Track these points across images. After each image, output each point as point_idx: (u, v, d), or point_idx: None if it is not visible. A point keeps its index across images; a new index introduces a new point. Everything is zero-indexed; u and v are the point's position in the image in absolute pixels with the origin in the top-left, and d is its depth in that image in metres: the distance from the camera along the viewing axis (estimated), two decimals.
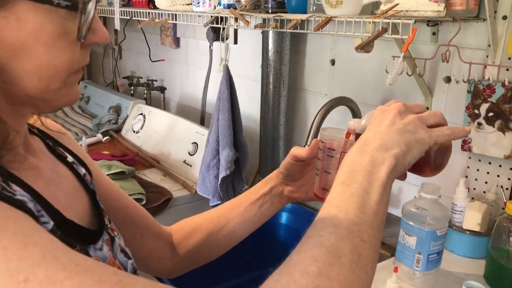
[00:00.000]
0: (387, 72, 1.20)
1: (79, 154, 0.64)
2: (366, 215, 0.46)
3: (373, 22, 1.02)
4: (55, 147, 0.60)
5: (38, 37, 0.43)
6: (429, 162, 0.55)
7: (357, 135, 0.61)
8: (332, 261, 0.42)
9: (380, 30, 0.99)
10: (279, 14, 1.22)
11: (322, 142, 0.66)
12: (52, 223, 0.46)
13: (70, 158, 0.61)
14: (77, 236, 0.50)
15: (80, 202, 0.57)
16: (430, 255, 0.93)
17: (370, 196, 0.47)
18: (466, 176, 1.17)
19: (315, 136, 1.19)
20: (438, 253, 0.94)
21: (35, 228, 0.39)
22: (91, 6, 0.45)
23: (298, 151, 0.69)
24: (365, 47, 1.01)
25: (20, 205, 0.41)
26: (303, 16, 1.15)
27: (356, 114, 1.32)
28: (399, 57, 1.12)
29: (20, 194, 0.43)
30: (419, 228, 0.92)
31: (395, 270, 0.93)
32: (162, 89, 2.37)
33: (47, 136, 0.60)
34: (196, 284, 1.29)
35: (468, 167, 1.17)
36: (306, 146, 1.19)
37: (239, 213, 0.74)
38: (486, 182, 1.14)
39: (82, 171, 0.61)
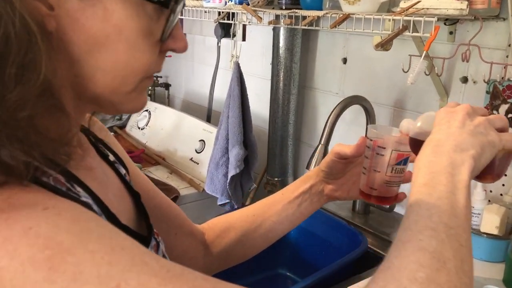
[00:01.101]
0: (404, 71, 1.18)
1: (117, 151, 0.60)
2: (458, 218, 0.44)
3: (392, 20, 1.00)
4: (97, 143, 0.56)
5: (121, 32, 0.40)
6: (493, 167, 0.54)
7: (411, 139, 0.59)
8: (438, 267, 0.40)
9: (401, 27, 0.97)
10: (293, 10, 1.20)
11: (371, 140, 0.63)
12: None
13: (111, 157, 0.57)
14: None
15: (126, 204, 0.54)
16: None
17: (457, 199, 0.46)
18: None
19: (329, 135, 1.17)
20: None
21: (116, 230, 0.36)
22: (180, 7, 0.42)
23: (342, 148, 0.66)
24: (385, 45, 0.98)
25: (87, 208, 0.38)
26: (320, 13, 1.13)
27: (369, 113, 1.30)
28: (418, 56, 1.10)
29: (84, 196, 0.41)
30: None
31: None
32: (167, 86, 2.34)
33: (89, 131, 0.56)
34: None
35: None
36: (320, 145, 1.18)
37: (276, 211, 0.71)
38: (503, 185, 1.12)
39: (123, 170, 0.58)
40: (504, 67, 1.07)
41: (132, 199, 0.56)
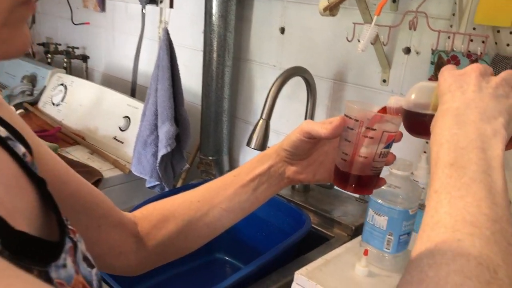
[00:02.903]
0: (348, 41, 1.11)
1: (15, 124, 0.44)
2: (499, 207, 0.35)
3: None
4: None
5: None
6: None
7: (408, 113, 0.51)
8: (488, 278, 0.31)
9: None
10: None
11: (356, 120, 0.54)
12: None
13: (2, 131, 0.42)
14: (33, 254, 0.34)
15: (25, 198, 0.40)
16: (401, 235, 0.87)
17: (494, 181, 0.37)
18: (425, 152, 1.13)
19: (271, 109, 1.08)
20: (408, 233, 0.88)
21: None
22: None
23: (313, 127, 0.56)
24: (333, 9, 0.90)
25: None
26: None
27: (311, 86, 1.22)
28: (363, 23, 1.04)
29: None
30: (390, 207, 0.85)
31: (365, 253, 0.86)
32: (85, 58, 2.12)
33: None
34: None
35: (427, 142, 1.13)
36: (262, 120, 1.08)
37: (226, 197, 0.60)
38: None
39: (21, 149, 0.42)
40: (449, 37, 1.04)
41: (35, 188, 0.42)
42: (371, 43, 1.07)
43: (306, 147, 0.58)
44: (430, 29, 0.99)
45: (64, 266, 0.37)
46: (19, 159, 0.41)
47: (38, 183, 0.42)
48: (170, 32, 1.37)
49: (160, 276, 1.20)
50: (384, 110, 0.56)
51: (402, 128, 0.57)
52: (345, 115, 0.56)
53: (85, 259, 0.44)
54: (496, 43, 0.99)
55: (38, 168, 0.45)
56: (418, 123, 0.51)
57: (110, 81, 2.08)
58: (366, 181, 0.57)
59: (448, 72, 0.47)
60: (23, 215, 0.37)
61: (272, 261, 0.96)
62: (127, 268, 0.62)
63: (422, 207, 1.03)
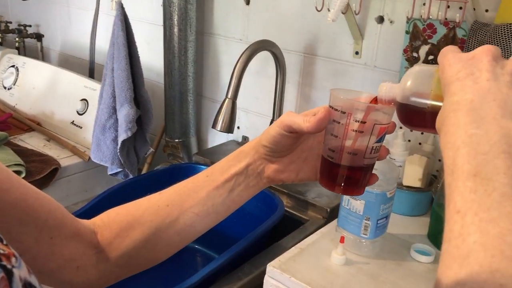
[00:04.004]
0: (318, 10, 1.03)
1: None
2: None
3: None
4: None
5: None
6: None
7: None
8: None
9: None
10: None
11: (343, 112, 0.47)
12: None
13: None
14: None
15: None
16: (379, 220, 0.81)
17: None
18: (401, 127, 1.07)
19: (237, 87, 1.00)
20: (386, 217, 0.83)
21: None
22: None
23: (294, 120, 0.49)
24: None
25: None
26: None
27: (279, 61, 1.14)
28: None
29: None
30: (367, 190, 0.79)
31: (342, 240, 0.80)
32: (39, 37, 1.97)
33: None
34: None
35: (422, 133, 1.07)
36: (227, 100, 1.00)
37: (199, 200, 0.53)
38: (422, 133, 1.06)
39: None
40: (424, 4, 0.96)
41: None
42: (342, 13, 0.99)
43: (288, 143, 0.52)
44: None
45: None
46: None
47: None
48: (127, 6, 1.26)
49: None
50: (374, 100, 0.49)
51: (394, 117, 0.50)
52: (329, 106, 0.49)
53: (29, 285, 0.35)
54: (474, 9, 0.92)
55: None
56: (417, 115, 0.44)
57: (68, 61, 1.95)
58: (356, 180, 0.51)
59: (453, 55, 0.39)
60: None
61: (245, 250, 0.89)
62: (87, 283, 0.54)
63: (400, 187, 0.99)
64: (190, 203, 0.54)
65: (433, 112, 0.42)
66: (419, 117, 0.44)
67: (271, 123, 1.23)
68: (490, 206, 0.29)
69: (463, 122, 0.35)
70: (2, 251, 0.34)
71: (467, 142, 0.33)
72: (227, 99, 0.99)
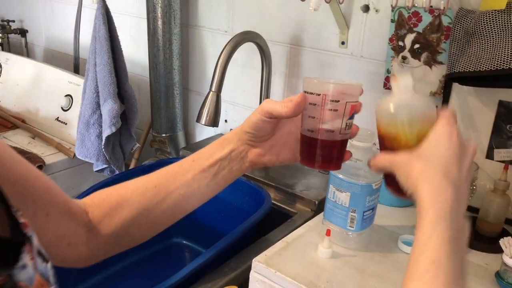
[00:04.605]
0: (302, 0, 1.01)
1: None
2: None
3: None
4: None
5: None
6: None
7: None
8: None
9: None
10: None
11: (317, 94, 0.53)
12: None
13: None
14: None
15: None
16: (365, 212, 0.80)
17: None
18: None
19: (221, 79, 0.98)
20: (373, 208, 0.82)
21: None
22: None
23: (273, 106, 0.55)
24: None
25: None
26: None
27: (264, 53, 1.12)
28: None
29: None
30: (352, 182, 0.78)
31: (328, 233, 0.79)
32: (23, 32, 1.94)
33: None
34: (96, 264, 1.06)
35: None
36: (212, 93, 0.98)
37: (185, 182, 0.58)
38: None
39: None
40: None
41: None
42: (326, 1, 0.97)
43: (268, 128, 0.58)
44: None
45: (24, 266, 0.34)
46: None
47: None
48: None
49: (115, 265, 1.11)
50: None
51: (361, 98, 0.56)
52: (304, 91, 0.55)
53: (39, 253, 0.39)
54: None
55: None
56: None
57: (53, 56, 1.91)
58: (334, 155, 0.56)
59: (457, 135, 0.50)
60: None
61: (231, 245, 0.88)
62: (77, 259, 0.58)
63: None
64: (176, 184, 0.58)
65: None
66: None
67: None
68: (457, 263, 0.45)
69: (443, 198, 0.47)
70: (22, 220, 0.38)
71: (449, 214, 0.47)
72: (211, 92, 0.97)
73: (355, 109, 0.55)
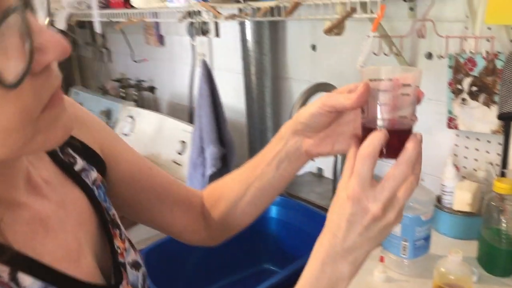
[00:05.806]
0: (374, 54, 1.15)
1: (90, 143, 0.55)
2: None
3: (342, 3, 0.98)
4: (62, 150, 0.52)
5: None
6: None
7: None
8: None
9: (349, 10, 0.94)
10: (248, 3, 1.18)
11: (389, 80, 0.48)
12: None
13: (79, 164, 0.53)
14: None
15: (90, 231, 0.51)
16: (416, 241, 0.89)
17: None
18: (456, 155, 1.12)
19: None
20: (425, 238, 0.90)
21: None
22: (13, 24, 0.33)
23: (338, 100, 0.52)
24: (335, 29, 0.96)
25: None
26: (272, 3, 1.11)
27: None
28: (378, 37, 1.08)
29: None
30: None
31: (381, 259, 0.89)
32: (152, 89, 2.34)
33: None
34: (190, 283, 1.27)
35: (456, 145, 1.12)
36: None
37: (257, 176, 0.62)
38: (476, 160, 1.10)
39: (92, 176, 0.54)
40: (463, 40, 1.03)
41: (98, 218, 0.53)
42: (385, 54, 1.10)
43: (326, 121, 0.55)
44: (437, 35, 1.00)
45: None
46: (88, 191, 0.53)
47: (101, 213, 0.54)
48: (216, 58, 1.50)
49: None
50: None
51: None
52: (369, 80, 0.50)
53: (134, 265, 0.55)
54: (511, 40, 0.97)
55: (113, 177, 0.59)
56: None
57: (175, 108, 2.27)
58: (402, 144, 0.50)
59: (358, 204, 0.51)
60: (88, 248, 0.49)
61: (302, 267, 1.02)
62: (202, 242, 0.71)
63: (451, 211, 1.04)
64: (251, 178, 0.63)
65: None
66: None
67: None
68: None
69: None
70: (118, 250, 0.54)
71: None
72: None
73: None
